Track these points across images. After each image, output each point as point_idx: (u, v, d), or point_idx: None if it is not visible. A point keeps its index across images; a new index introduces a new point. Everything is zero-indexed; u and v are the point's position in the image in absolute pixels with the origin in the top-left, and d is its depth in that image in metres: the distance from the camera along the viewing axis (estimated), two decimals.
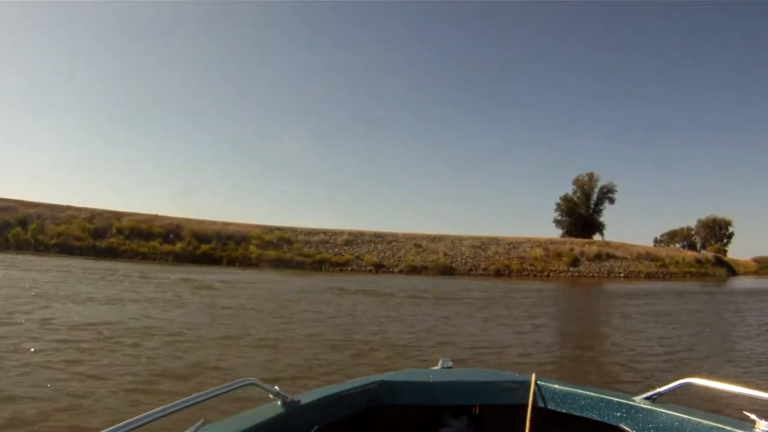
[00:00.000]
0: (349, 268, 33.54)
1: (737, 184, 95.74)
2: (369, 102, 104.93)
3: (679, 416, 1.73)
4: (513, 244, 41.97)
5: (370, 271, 33.34)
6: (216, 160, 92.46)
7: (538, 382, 2.17)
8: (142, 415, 1.18)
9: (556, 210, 59.06)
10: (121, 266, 23.31)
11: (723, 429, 1.60)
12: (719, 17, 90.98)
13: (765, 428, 1.54)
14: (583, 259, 41.77)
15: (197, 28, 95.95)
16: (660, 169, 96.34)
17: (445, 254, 37.64)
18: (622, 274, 40.84)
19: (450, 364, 2.59)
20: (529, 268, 38.50)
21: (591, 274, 39.92)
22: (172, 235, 36.16)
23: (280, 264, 32.80)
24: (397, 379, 2.22)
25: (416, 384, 2.21)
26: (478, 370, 3.23)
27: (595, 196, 57.31)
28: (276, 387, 1.72)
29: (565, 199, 58.17)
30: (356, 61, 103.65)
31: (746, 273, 52.38)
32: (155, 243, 35.21)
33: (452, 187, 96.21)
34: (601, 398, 1.98)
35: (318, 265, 33.25)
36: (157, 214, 39.32)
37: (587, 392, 2.04)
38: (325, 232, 38.80)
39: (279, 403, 1.72)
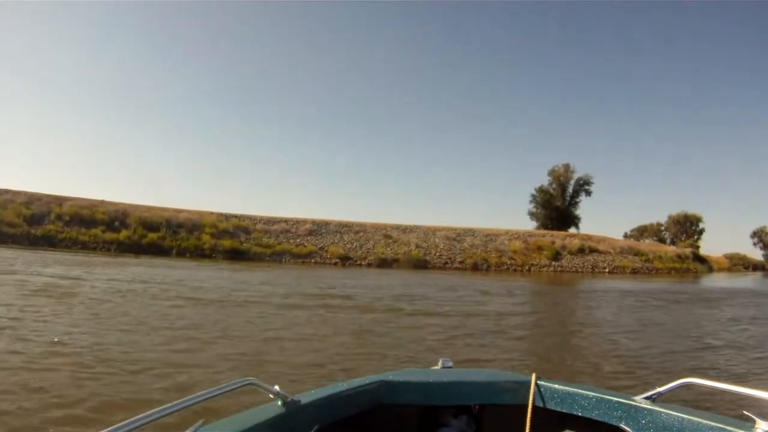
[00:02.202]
0: (312, 261, 30.45)
1: (702, 180, 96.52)
2: (333, 88, 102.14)
3: (679, 416, 1.73)
4: (490, 236, 39.65)
5: (335, 264, 30.35)
6: (180, 149, 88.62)
7: (538, 382, 2.16)
8: (142, 415, 1.19)
9: (531, 202, 57.06)
10: (49, 256, 19.91)
11: (723, 429, 1.61)
12: (689, 12, 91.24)
13: (765, 428, 1.53)
14: (565, 253, 39.78)
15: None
16: (628, 165, 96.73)
17: (417, 246, 34.86)
18: (606, 270, 39.02)
19: (450, 364, 2.53)
20: (509, 262, 36.27)
21: (574, 269, 37.95)
22: (117, 223, 32.59)
23: (236, 255, 29.64)
24: (398, 379, 2.21)
25: (416, 384, 2.20)
26: (478, 370, 2.96)
27: (571, 188, 55.58)
28: (276, 387, 1.71)
29: (541, 190, 56.15)
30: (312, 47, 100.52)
31: (720, 269, 51.81)
32: (97, 231, 31.62)
33: (422, 177, 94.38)
34: (601, 398, 1.98)
35: (278, 257, 30.14)
36: (103, 200, 35.68)
37: (587, 392, 2.04)
38: (286, 220, 35.64)
39: (279, 403, 1.72)
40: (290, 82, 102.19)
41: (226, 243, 30.61)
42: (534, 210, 56.45)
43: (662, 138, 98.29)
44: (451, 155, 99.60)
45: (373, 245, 33.93)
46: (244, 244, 31.00)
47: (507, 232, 41.71)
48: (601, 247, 42.63)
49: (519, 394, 2.15)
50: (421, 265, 32.45)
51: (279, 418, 1.65)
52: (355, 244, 33.76)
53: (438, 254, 34.65)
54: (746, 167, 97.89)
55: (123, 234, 31.33)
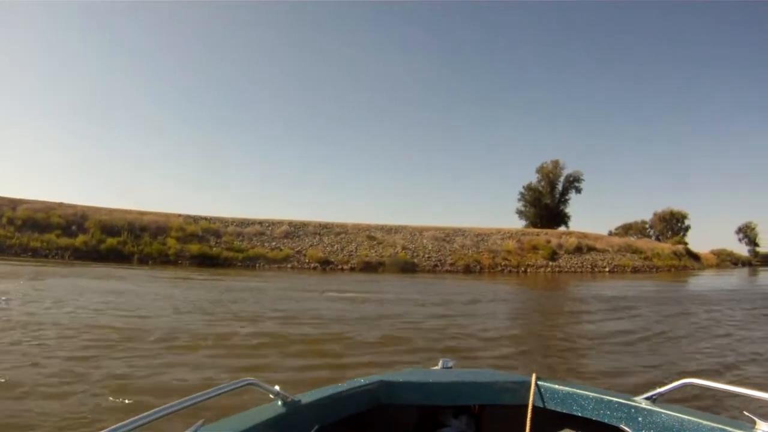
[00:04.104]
0: (289, 266, 27.79)
1: (682, 178, 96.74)
2: (312, 87, 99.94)
3: (679, 416, 1.73)
4: (481, 236, 37.50)
5: (314, 268, 27.79)
6: (155, 149, 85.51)
7: (538, 382, 2.16)
8: (142, 415, 1.19)
9: (519, 200, 55.66)
10: None
11: (723, 429, 1.60)
12: (670, 8, 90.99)
13: (765, 428, 1.54)
14: (562, 252, 37.72)
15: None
16: (609, 163, 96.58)
17: (404, 248, 32.46)
18: (606, 269, 37.03)
19: (450, 364, 2.53)
20: (503, 263, 33.96)
21: (573, 269, 35.90)
22: (74, 227, 29.71)
23: (204, 261, 26.86)
24: (398, 379, 2.21)
25: (416, 384, 2.20)
26: (478, 370, 2.79)
27: (560, 185, 54.17)
28: (276, 387, 1.72)
29: (529, 188, 54.81)
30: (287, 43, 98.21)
31: (709, 266, 51.00)
32: (52, 236, 28.69)
33: (406, 175, 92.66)
34: (601, 398, 1.98)
35: (251, 262, 27.42)
36: (61, 202, 32.70)
37: (587, 392, 2.04)
38: (261, 222, 32.93)
39: (279, 403, 1.72)
40: (269, 80, 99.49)
41: (194, 248, 27.83)
42: (522, 208, 55.17)
43: (642, 137, 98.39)
44: (436, 153, 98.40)
45: (356, 247, 31.42)
46: (214, 249, 28.26)
47: (499, 231, 39.83)
48: (598, 246, 40.93)
49: (519, 394, 2.15)
50: (408, 268, 30.15)
51: (279, 418, 1.66)
52: (336, 246, 31.20)
53: (427, 256, 32.31)
54: (726, 166, 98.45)
55: (80, 239, 28.42)
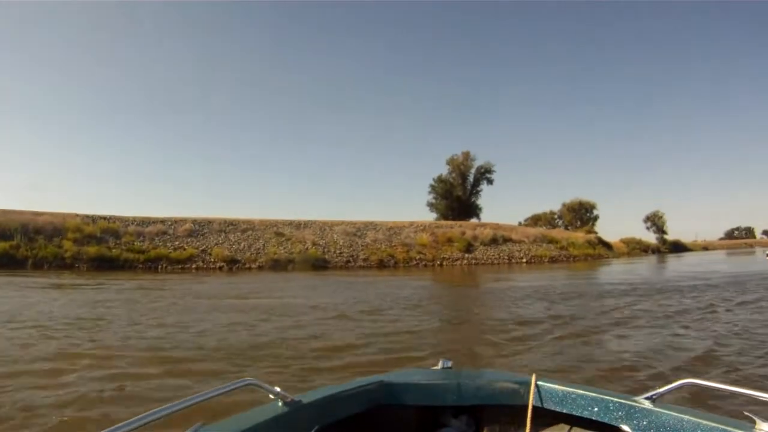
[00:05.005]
0: (194, 266, 27.28)
1: (589, 169, 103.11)
2: (217, 79, 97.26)
3: (679, 416, 1.74)
4: (394, 230, 37.94)
5: (220, 268, 27.48)
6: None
7: (538, 382, 2.17)
8: (142, 415, 1.20)
9: (430, 192, 56.06)
10: None
11: (723, 429, 1.62)
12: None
13: (765, 428, 1.55)
14: (478, 244, 38.40)
15: None
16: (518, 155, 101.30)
17: (314, 244, 32.67)
18: (524, 260, 37.62)
19: (450, 364, 2.53)
20: (418, 257, 34.20)
21: (490, 261, 36.32)
22: None
23: (103, 263, 26.01)
24: (397, 380, 2.23)
25: (416, 384, 2.22)
26: (478, 370, 2.94)
27: (472, 177, 55.21)
28: (276, 387, 1.74)
29: (440, 180, 55.23)
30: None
31: (621, 254, 52.77)
32: None
33: (316, 170, 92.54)
34: (601, 398, 1.99)
35: (153, 264, 26.86)
36: None
37: (587, 392, 2.05)
38: (163, 220, 31.92)
39: (279, 403, 1.75)
40: (177, 73, 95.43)
41: (92, 250, 26.71)
42: (433, 201, 55.47)
43: (548, 131, 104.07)
44: (340, 148, 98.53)
45: (264, 245, 31.34)
46: (113, 250, 27.22)
47: (412, 224, 40.38)
48: (514, 236, 41.60)
49: (519, 395, 2.17)
50: (320, 265, 30.21)
51: (279, 418, 1.67)
52: (243, 244, 30.91)
53: (338, 252, 32.56)
54: (629, 159, 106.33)
55: None
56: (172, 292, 15.14)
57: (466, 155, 54.83)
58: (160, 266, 26.75)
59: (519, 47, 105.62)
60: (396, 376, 2.29)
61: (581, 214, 69.51)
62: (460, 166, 54.59)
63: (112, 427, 1.13)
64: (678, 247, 74.02)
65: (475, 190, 55.50)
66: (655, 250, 63.34)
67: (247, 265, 28.75)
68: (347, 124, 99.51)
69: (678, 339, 7.64)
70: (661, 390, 1.88)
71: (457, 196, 53.69)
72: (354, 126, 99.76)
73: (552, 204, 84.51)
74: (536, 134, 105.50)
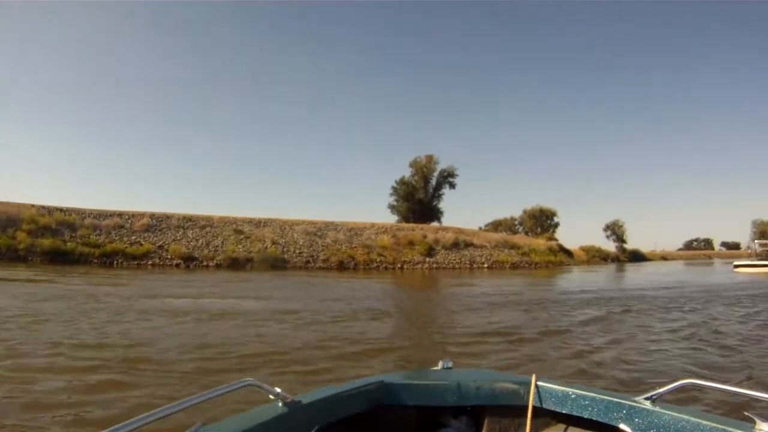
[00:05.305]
0: (150, 263, 27.40)
1: (550, 176, 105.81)
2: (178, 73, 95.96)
3: (679, 416, 1.74)
4: (355, 230, 38.08)
5: (177, 265, 27.67)
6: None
7: (538, 382, 2.17)
8: (142, 416, 1.21)
9: (391, 194, 56.01)
10: None
11: (723, 429, 1.62)
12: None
13: (765, 429, 1.55)
14: (439, 248, 38.51)
15: None
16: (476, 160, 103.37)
17: (274, 242, 32.99)
18: (485, 265, 37.64)
19: (450, 364, 2.56)
20: (378, 260, 34.29)
21: (451, 265, 36.48)
22: None
23: (57, 257, 25.92)
24: (398, 380, 2.24)
25: (416, 385, 2.24)
26: (478, 370, 2.88)
27: (434, 181, 55.54)
28: (276, 388, 1.74)
29: (402, 182, 55.20)
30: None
31: (581, 261, 52.53)
32: None
33: (274, 166, 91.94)
34: (601, 398, 1.99)
35: (109, 259, 26.89)
36: None
37: (587, 392, 2.05)
38: (120, 214, 31.70)
39: (279, 403, 1.75)
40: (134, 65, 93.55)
41: (46, 242, 26.62)
42: (395, 203, 55.50)
43: (510, 136, 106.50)
44: (306, 146, 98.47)
45: (222, 242, 31.53)
46: (68, 244, 27.17)
47: (373, 225, 40.43)
48: (476, 241, 41.76)
49: (519, 395, 2.18)
50: (279, 264, 30.33)
51: (279, 418, 1.67)
52: (201, 241, 31.03)
53: (298, 251, 32.76)
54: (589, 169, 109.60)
55: None
56: (122, 291, 13.96)
57: (430, 158, 54.98)
58: (115, 261, 26.83)
59: (487, 52, 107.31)
60: (396, 376, 2.33)
61: (542, 220, 69.02)
62: (423, 169, 54.76)
63: (112, 427, 1.13)
64: (637, 257, 75.70)
65: (437, 194, 55.82)
66: (614, 259, 64.29)
67: (205, 263, 28.92)
68: (313, 123, 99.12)
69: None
70: (661, 390, 1.89)
71: (419, 199, 53.95)
72: (320, 125, 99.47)
73: (513, 210, 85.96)
74: (499, 139, 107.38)
